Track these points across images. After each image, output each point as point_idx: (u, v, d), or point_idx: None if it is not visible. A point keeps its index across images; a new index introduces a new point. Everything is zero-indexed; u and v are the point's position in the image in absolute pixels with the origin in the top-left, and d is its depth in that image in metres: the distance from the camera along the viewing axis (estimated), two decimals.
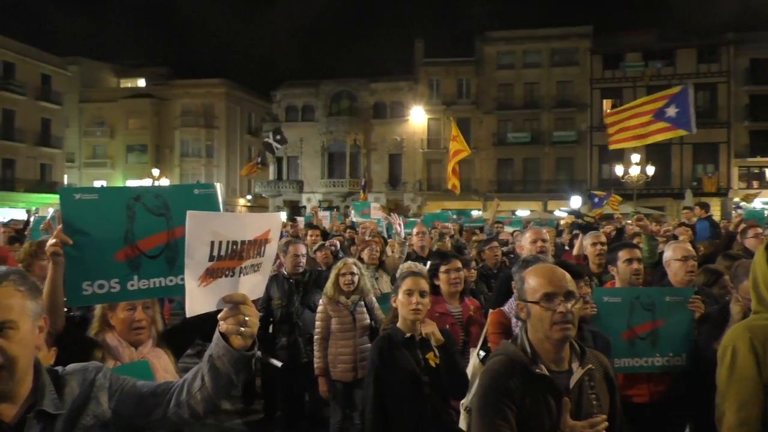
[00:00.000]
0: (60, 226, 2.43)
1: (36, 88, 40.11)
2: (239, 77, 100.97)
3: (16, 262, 4.59)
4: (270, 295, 5.69)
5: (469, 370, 3.34)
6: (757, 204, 25.77)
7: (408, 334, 3.16)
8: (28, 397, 1.44)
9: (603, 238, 5.17)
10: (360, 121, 42.36)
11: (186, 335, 2.99)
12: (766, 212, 13.17)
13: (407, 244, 6.76)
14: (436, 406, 3.09)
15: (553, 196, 38.41)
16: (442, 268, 4.17)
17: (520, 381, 2.00)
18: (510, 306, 3.55)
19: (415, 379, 3.06)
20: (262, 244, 1.60)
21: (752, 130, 36.91)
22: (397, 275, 4.14)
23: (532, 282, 2.10)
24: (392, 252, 6.75)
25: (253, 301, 1.55)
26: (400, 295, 3.23)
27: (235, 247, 1.50)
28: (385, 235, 8.75)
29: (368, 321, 5.07)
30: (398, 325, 3.25)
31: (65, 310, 2.67)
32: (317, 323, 5.07)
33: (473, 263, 5.71)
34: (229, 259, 1.50)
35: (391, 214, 8.82)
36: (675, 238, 7.21)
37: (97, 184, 43.39)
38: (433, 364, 3.08)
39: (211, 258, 1.45)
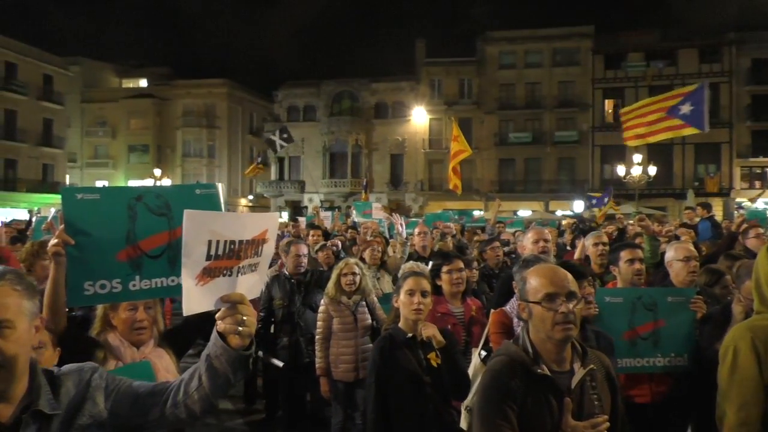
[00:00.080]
0: (62, 226, 2.43)
1: (38, 89, 40.17)
2: (241, 77, 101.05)
3: (18, 262, 4.60)
4: (272, 295, 5.70)
5: (471, 371, 3.33)
6: (759, 204, 25.70)
7: (410, 334, 3.17)
8: (24, 398, 1.43)
9: (605, 239, 5.15)
10: (361, 121, 42.37)
11: (188, 335, 2.99)
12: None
13: (409, 244, 6.76)
14: (437, 406, 3.09)
15: (554, 196, 38.37)
16: (445, 269, 4.17)
17: (522, 381, 2.00)
18: (511, 306, 3.55)
19: (417, 379, 3.06)
20: (259, 244, 1.60)
21: (754, 130, 36.85)
22: (399, 275, 4.14)
23: (533, 282, 2.10)
24: (394, 252, 6.75)
25: (251, 301, 1.55)
26: (402, 295, 3.23)
27: (232, 246, 1.50)
28: (387, 236, 8.75)
29: (370, 321, 5.07)
30: (400, 325, 3.25)
31: (67, 310, 2.68)
32: (319, 323, 5.07)
33: (475, 263, 5.70)
34: (227, 258, 1.50)
35: (393, 214, 8.81)
36: (677, 238, 7.20)
37: (99, 184, 43.39)
38: (434, 364, 3.08)
39: (209, 257, 1.45)
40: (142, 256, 2.55)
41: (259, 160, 22.84)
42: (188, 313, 1.47)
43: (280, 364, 5.56)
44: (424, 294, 3.20)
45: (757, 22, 52.03)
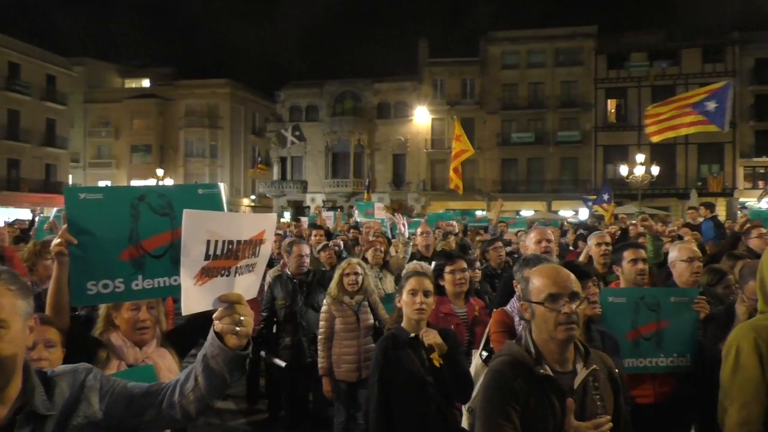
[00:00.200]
0: (65, 226, 2.43)
1: (41, 89, 40.26)
2: (243, 77, 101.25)
3: (21, 261, 4.62)
4: (274, 295, 5.70)
5: (472, 371, 3.33)
6: (763, 204, 25.64)
7: (412, 334, 3.16)
8: (18, 398, 1.42)
9: (608, 239, 5.14)
10: (364, 121, 42.36)
11: (190, 335, 2.98)
12: None
13: (411, 244, 6.75)
14: (440, 405, 3.09)
15: (557, 196, 38.35)
16: (448, 269, 4.17)
17: (525, 382, 2.00)
18: (512, 305, 3.54)
19: (420, 379, 3.06)
20: (257, 245, 1.61)
21: (757, 130, 36.73)
22: (402, 275, 4.14)
23: (536, 282, 2.09)
24: (396, 252, 6.74)
25: (249, 302, 1.55)
26: (404, 295, 3.23)
27: (230, 246, 1.51)
28: (389, 235, 8.75)
29: (372, 321, 5.06)
30: (402, 325, 3.25)
31: (70, 309, 2.68)
32: (321, 323, 5.07)
33: (477, 263, 5.70)
34: (225, 258, 1.50)
35: (395, 214, 8.81)
36: (680, 238, 7.19)
37: (102, 184, 43.49)
38: (437, 364, 3.08)
39: (207, 257, 1.46)
40: (145, 255, 2.55)
41: (260, 160, 22.90)
42: (186, 312, 1.47)
43: (283, 364, 5.56)
44: (426, 294, 3.20)
45: (761, 22, 51.99)
